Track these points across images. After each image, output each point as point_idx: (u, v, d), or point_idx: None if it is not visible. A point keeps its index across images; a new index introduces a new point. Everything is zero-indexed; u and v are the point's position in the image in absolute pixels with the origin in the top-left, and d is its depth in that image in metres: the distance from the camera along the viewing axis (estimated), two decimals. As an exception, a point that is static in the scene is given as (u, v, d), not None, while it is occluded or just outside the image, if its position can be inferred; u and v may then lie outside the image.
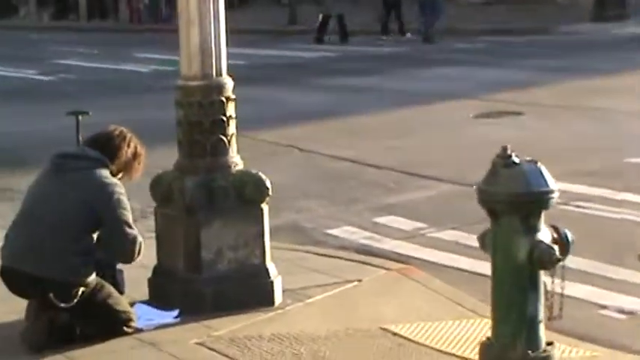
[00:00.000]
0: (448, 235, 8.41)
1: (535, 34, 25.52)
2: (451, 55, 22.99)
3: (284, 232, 8.52)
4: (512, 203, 4.58)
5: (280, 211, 8.82)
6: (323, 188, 10.31)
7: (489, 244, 4.73)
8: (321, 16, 27.58)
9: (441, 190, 10.05)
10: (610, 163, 10.34)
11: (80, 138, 7.13)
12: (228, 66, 6.39)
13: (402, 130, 13.39)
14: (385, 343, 5.68)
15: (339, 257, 7.54)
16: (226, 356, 5.47)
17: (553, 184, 4.59)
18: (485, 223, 8.42)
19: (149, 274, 6.41)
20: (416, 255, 7.86)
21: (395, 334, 5.83)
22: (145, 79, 21.37)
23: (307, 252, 7.73)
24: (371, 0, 29.76)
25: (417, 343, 5.69)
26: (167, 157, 6.93)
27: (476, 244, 7.83)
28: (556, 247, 4.55)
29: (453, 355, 5.48)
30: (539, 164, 4.64)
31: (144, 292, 6.34)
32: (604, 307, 6.44)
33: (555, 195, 4.59)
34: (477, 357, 5.38)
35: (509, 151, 4.65)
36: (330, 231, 8.76)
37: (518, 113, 14.04)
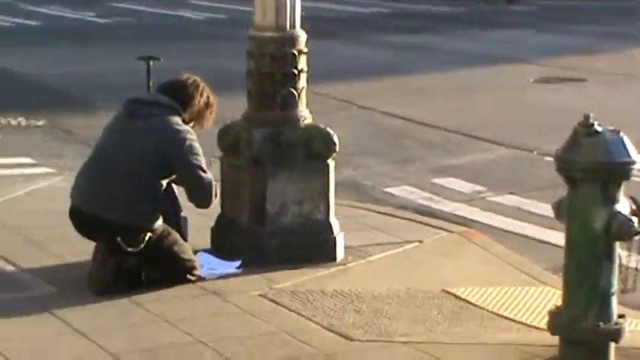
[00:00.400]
0: (508, 200, 8.35)
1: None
2: (509, 17, 22.76)
3: (342, 188, 8.45)
4: (592, 172, 4.50)
5: (338, 167, 8.77)
6: (381, 146, 10.27)
7: (565, 212, 4.65)
8: None
9: (500, 153, 9.98)
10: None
11: (151, 84, 7.11)
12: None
13: (460, 92, 13.30)
14: (448, 306, 5.64)
15: (399, 217, 7.50)
16: (289, 309, 5.46)
17: (635, 154, 4.50)
18: (544, 190, 8.50)
19: (211, 222, 6.41)
20: (476, 218, 7.82)
21: (457, 297, 5.79)
22: (201, 26, 21.36)
23: (367, 209, 7.69)
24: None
25: (480, 307, 5.65)
26: (230, 108, 6.93)
27: (537, 210, 7.95)
28: (635, 219, 4.48)
29: (518, 321, 5.44)
30: (621, 134, 4.55)
31: (206, 241, 6.35)
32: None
33: (637, 166, 4.51)
34: (541, 325, 5.37)
35: (591, 120, 4.56)
36: (388, 189, 8.74)
37: (580, 80, 13.88)
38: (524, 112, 11.86)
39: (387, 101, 12.50)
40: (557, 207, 4.76)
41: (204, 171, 5.70)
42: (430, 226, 7.20)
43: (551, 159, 9.53)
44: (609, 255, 4.54)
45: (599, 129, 4.55)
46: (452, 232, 7.05)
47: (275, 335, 5.08)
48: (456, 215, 7.90)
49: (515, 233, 7.45)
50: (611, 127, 4.60)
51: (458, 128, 10.98)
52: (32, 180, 8.30)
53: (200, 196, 5.75)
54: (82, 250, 6.08)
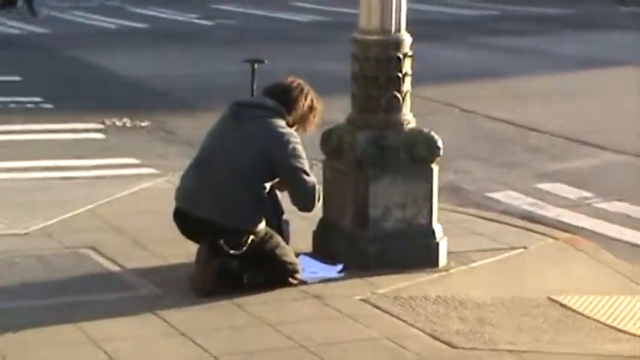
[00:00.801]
0: (615, 206, 8.17)
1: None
2: (618, 19, 22.32)
3: (444, 192, 8.30)
4: None
5: (439, 170, 8.70)
6: (483, 150, 10.15)
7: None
8: None
9: (606, 159, 9.78)
10: None
11: (255, 86, 7.13)
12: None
13: (567, 95, 13.09)
14: (553, 314, 5.52)
15: (502, 222, 7.38)
16: (391, 314, 5.41)
17: None
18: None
19: (312, 226, 6.40)
20: (582, 225, 7.66)
21: (563, 305, 5.66)
22: (305, 29, 21.43)
23: (469, 215, 7.59)
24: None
25: (588, 316, 5.52)
26: (333, 111, 6.90)
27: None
28: None
29: (627, 332, 5.29)
30: None
31: (307, 244, 6.34)
32: None
33: None
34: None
35: None
36: (491, 194, 8.62)
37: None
38: (633, 117, 11.59)
39: (491, 105, 12.35)
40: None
41: (307, 174, 5.69)
42: (535, 232, 7.08)
43: (660, 165, 9.37)
44: None
45: None
46: (557, 238, 6.92)
47: (377, 341, 5.05)
48: (560, 222, 7.74)
49: (623, 241, 7.27)
50: None
51: (563, 133, 10.79)
52: (137, 180, 8.40)
53: (303, 199, 5.75)
54: (185, 251, 6.13)
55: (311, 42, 18.61)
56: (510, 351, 4.93)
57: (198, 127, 11.06)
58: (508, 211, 8.05)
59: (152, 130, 10.90)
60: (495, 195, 8.59)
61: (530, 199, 8.43)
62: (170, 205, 7.28)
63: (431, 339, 5.08)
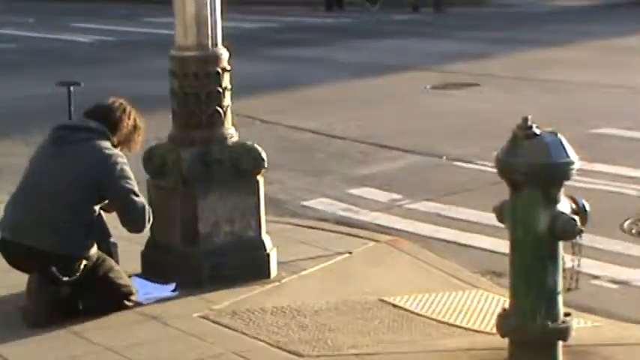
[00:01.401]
0: (425, 206, 8.44)
1: (469, 5, 25.62)
2: (391, 26, 23.04)
3: (260, 204, 8.47)
4: (533, 174, 4.58)
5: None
6: (291, 160, 10.27)
7: (508, 215, 4.73)
8: None
9: (409, 161, 10.09)
10: (576, 135, 10.43)
11: (72, 109, 6.99)
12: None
13: (359, 102, 13.40)
14: (387, 315, 5.68)
15: (323, 229, 7.53)
16: (232, 329, 5.42)
17: (574, 155, 4.61)
18: (460, 194, 8.63)
19: (138, 247, 6.32)
20: (397, 226, 7.87)
21: (395, 305, 5.84)
22: (90, 49, 21.09)
23: (290, 224, 7.69)
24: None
25: (419, 314, 5.71)
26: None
27: (456, 214, 8.07)
28: (576, 218, 4.59)
29: (459, 326, 5.51)
30: (559, 135, 4.65)
31: (136, 266, 6.26)
32: (596, 277, 6.52)
33: (576, 166, 4.61)
34: (482, 328, 5.46)
35: (529, 122, 4.65)
36: (305, 203, 8.75)
37: (475, 84, 14.14)
38: (425, 118, 12.01)
39: (290, 115, 12.53)
40: (500, 210, 4.83)
41: (137, 195, 5.63)
42: (356, 236, 7.25)
43: (461, 163, 9.78)
44: (554, 255, 4.63)
45: (538, 131, 4.64)
46: (379, 241, 7.11)
47: (224, 356, 5.05)
48: (376, 224, 7.94)
49: (438, 239, 7.52)
50: (549, 129, 4.71)
51: (364, 138, 11.07)
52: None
53: (134, 221, 5.68)
54: (7, 282, 5.94)
55: (98, 61, 18.31)
56: (357, 355, 5.03)
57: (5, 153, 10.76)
58: (325, 217, 8.19)
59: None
60: (310, 203, 8.72)
61: (344, 205, 8.60)
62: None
63: (277, 350, 5.13)
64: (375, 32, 21.86)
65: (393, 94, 13.80)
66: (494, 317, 4.99)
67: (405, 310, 5.78)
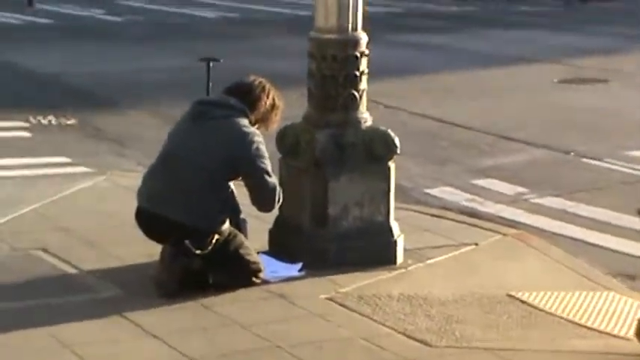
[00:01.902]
0: (551, 201, 8.32)
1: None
2: (518, 17, 22.74)
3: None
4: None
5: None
6: (414, 147, 10.20)
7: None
8: None
9: (535, 154, 9.95)
10: None
11: (210, 85, 7.07)
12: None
13: (484, 92, 13.27)
14: (515, 311, 5.60)
15: (448, 218, 7.47)
16: (360, 314, 5.42)
17: None
18: (587, 192, 8.47)
19: (267, 225, 6.36)
20: (522, 220, 7.78)
21: (523, 301, 5.75)
22: (215, 25, 21.32)
23: (415, 211, 7.63)
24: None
25: (548, 312, 5.61)
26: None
27: (584, 212, 7.94)
28: None
29: (591, 328, 5.39)
30: None
31: (263, 243, 6.30)
32: None
33: None
34: (616, 332, 5.33)
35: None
36: (429, 191, 8.70)
37: (604, 81, 13.86)
38: (554, 113, 11.83)
39: (413, 101, 12.47)
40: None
41: (270, 175, 5.67)
42: (481, 228, 7.17)
43: (589, 160, 9.60)
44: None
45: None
46: (505, 234, 7.02)
47: (352, 341, 5.05)
48: (502, 217, 7.85)
49: (565, 236, 7.40)
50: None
51: (489, 129, 10.95)
52: (74, 179, 8.23)
53: (264, 200, 5.72)
54: (141, 252, 6.07)
55: (222, 38, 18.49)
56: (486, 349, 4.98)
57: (126, 124, 10.96)
58: (448, 207, 8.13)
59: (79, 128, 10.70)
60: (433, 191, 8.68)
61: (467, 195, 8.53)
62: (115, 205, 7.27)
63: (405, 338, 5.11)
64: (502, 22, 21.60)
65: (519, 86, 13.63)
66: (630, 321, 4.92)
67: (534, 307, 5.68)
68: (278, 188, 5.74)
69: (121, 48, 17.24)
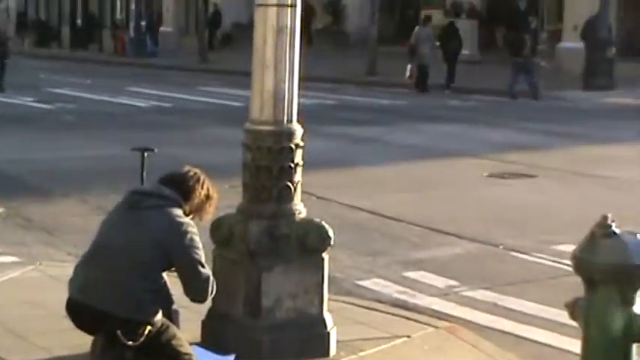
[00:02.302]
0: (482, 295, 8.38)
1: (527, 96, 25.61)
2: (448, 112, 23.12)
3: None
4: (611, 274, 4.53)
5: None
6: (346, 238, 10.23)
7: (582, 313, 4.67)
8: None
9: (466, 247, 10.05)
10: None
11: (144, 174, 7.07)
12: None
13: (415, 185, 13.41)
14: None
15: (379, 310, 7.51)
16: (292, 407, 5.41)
17: (653, 256, 4.56)
18: (517, 285, 8.56)
19: (199, 315, 6.33)
20: (454, 313, 7.81)
21: (456, 395, 5.78)
22: (148, 114, 21.36)
23: (346, 303, 7.66)
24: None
25: (480, 405, 5.65)
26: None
27: (514, 306, 8.00)
28: (652, 321, 4.53)
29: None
30: (639, 236, 4.62)
31: (195, 334, 6.26)
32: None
33: (655, 268, 4.56)
34: None
35: (609, 221, 4.62)
36: (361, 282, 8.72)
37: (532, 176, 14.10)
38: (482, 206, 11.99)
39: (345, 193, 12.56)
40: (572, 307, 4.77)
41: (202, 266, 5.64)
42: (414, 320, 7.22)
43: (517, 254, 9.71)
44: (628, 357, 4.57)
45: (617, 231, 4.61)
46: (437, 327, 7.06)
47: None
48: (433, 310, 7.88)
49: (495, 329, 7.45)
50: (628, 230, 4.67)
51: (420, 221, 11.04)
52: (2, 269, 8.14)
53: (197, 290, 5.68)
54: (70, 343, 6.02)
55: (155, 127, 18.52)
56: None
57: (55, 213, 10.87)
58: (380, 299, 8.15)
59: (7, 216, 10.58)
60: (365, 283, 8.70)
61: (399, 287, 8.57)
62: (43, 295, 7.18)
63: None
64: (432, 116, 21.95)
65: (449, 180, 13.80)
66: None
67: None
68: (211, 279, 5.71)
69: (52, 136, 17.18)
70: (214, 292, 5.80)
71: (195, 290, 5.68)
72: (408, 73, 27.81)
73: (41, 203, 11.32)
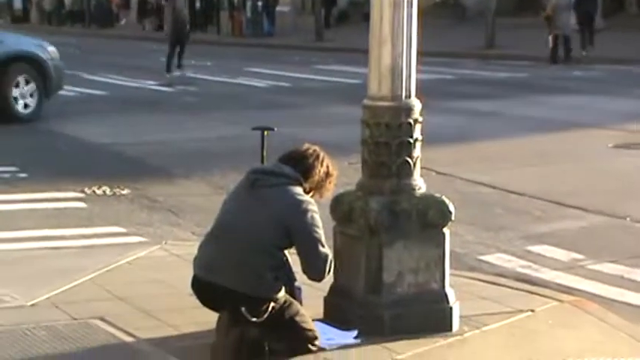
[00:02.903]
0: (609, 268, 8.22)
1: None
2: (570, 83, 22.71)
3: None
4: None
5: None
6: (467, 213, 10.14)
7: None
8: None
9: (591, 220, 9.87)
10: None
11: (265, 153, 7.13)
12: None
13: (536, 158, 13.22)
14: (575, 379, 5.55)
15: (503, 285, 7.42)
16: (417, 381, 5.40)
17: None
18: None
19: (321, 292, 6.36)
20: (579, 287, 7.68)
21: (583, 369, 5.69)
22: (266, 94, 21.53)
23: (469, 278, 7.60)
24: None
25: (608, 380, 5.55)
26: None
27: (641, 279, 7.83)
28: None
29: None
30: None
31: (318, 310, 6.30)
32: None
33: None
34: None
35: None
36: (483, 257, 8.64)
37: (658, 145, 13.79)
38: (607, 178, 11.76)
39: (466, 168, 12.45)
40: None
41: (322, 245, 5.69)
42: (538, 294, 7.11)
43: (646, 226, 9.49)
44: None
45: None
46: (562, 301, 6.95)
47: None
48: (558, 284, 7.77)
49: (623, 302, 7.31)
50: None
51: (543, 195, 10.89)
52: (129, 249, 8.30)
53: (316, 270, 5.74)
54: (196, 320, 6.11)
55: (273, 107, 18.66)
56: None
57: (179, 194, 11.06)
58: (503, 273, 8.07)
59: (133, 198, 10.80)
60: (487, 258, 8.62)
61: (522, 262, 8.46)
62: (169, 274, 7.32)
63: (464, 405, 5.07)
64: (552, 88, 21.58)
65: (572, 152, 13.57)
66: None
67: (594, 375, 5.62)
68: (330, 258, 5.75)
69: (173, 118, 17.46)
70: (331, 271, 5.84)
71: (313, 269, 5.73)
72: (550, 43, 27.32)
73: (165, 184, 11.52)
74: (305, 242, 5.66)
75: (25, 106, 16.63)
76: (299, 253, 5.76)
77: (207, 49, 35.23)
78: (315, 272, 5.76)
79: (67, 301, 6.66)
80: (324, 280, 6.16)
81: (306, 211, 5.63)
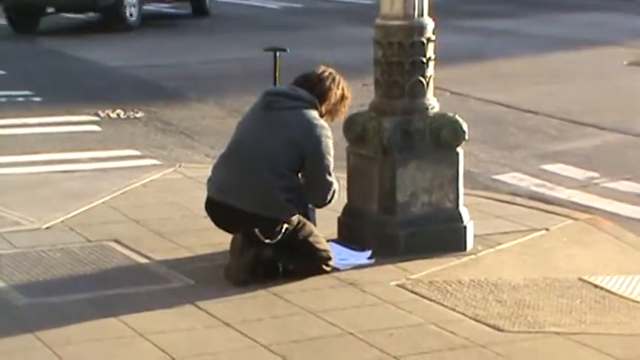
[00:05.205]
0: (624, 186, 8.21)
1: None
2: (586, 0, 22.45)
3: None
4: None
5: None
6: (482, 133, 10.14)
7: None
8: None
9: (605, 139, 9.83)
10: None
11: (277, 75, 7.08)
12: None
13: (551, 76, 13.14)
14: (588, 295, 5.54)
15: (517, 204, 7.42)
16: (430, 300, 5.41)
17: None
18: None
19: (333, 213, 6.36)
20: (594, 205, 7.68)
21: (596, 285, 5.69)
22: (279, 15, 21.37)
23: (483, 197, 7.60)
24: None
25: (622, 296, 5.54)
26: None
27: (658, 196, 7.81)
28: None
29: (666, 311, 5.33)
30: None
31: (332, 231, 6.32)
32: None
33: None
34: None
35: None
36: (497, 177, 8.63)
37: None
38: (623, 96, 11.69)
39: (481, 87, 12.39)
40: None
41: (329, 173, 5.69)
42: (552, 213, 7.11)
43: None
44: None
45: None
46: (576, 219, 6.95)
47: (423, 326, 5.04)
48: (573, 202, 7.77)
49: (638, 220, 7.29)
50: None
51: (557, 114, 10.84)
52: (144, 172, 8.31)
53: (317, 196, 5.78)
54: (210, 242, 6.14)
55: (286, 28, 18.53)
56: (559, 333, 4.94)
57: (193, 117, 11.04)
58: (517, 192, 8.06)
59: (147, 121, 10.80)
60: (502, 177, 8.61)
61: (537, 181, 8.45)
62: (184, 196, 7.34)
63: (476, 323, 5.08)
64: (568, 6, 21.35)
65: (587, 70, 13.48)
66: None
67: (608, 291, 5.61)
68: (334, 188, 5.75)
69: (186, 41, 17.37)
70: (334, 200, 5.83)
71: (316, 194, 5.76)
72: None
73: (179, 107, 11.50)
74: (314, 167, 5.65)
75: (131, 15, 18.60)
76: (305, 177, 5.75)
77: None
78: (317, 198, 5.79)
79: (82, 224, 6.69)
80: (340, 201, 6.19)
81: (320, 136, 5.61)
